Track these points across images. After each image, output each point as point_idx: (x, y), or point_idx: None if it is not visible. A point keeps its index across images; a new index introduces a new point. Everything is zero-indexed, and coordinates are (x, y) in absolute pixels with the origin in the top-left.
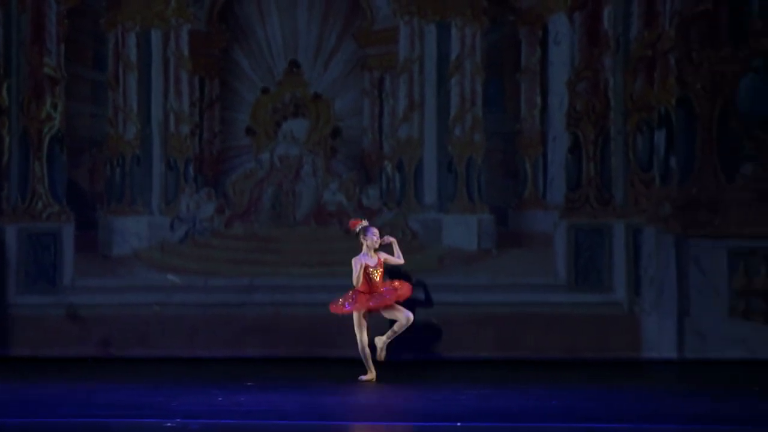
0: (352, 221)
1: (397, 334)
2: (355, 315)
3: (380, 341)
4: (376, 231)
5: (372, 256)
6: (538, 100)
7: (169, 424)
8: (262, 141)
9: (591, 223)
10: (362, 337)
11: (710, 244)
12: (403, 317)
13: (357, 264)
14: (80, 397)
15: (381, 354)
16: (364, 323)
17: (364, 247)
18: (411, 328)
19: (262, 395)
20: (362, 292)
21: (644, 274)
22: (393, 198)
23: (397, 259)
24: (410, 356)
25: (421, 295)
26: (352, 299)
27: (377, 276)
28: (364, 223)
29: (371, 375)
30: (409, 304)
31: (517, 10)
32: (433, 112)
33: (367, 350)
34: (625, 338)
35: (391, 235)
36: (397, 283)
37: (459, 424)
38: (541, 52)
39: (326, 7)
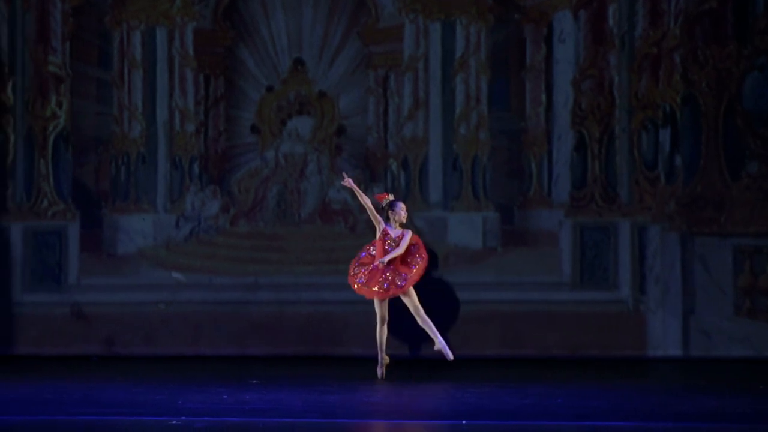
0: (377, 195)
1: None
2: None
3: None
4: (403, 206)
5: (396, 229)
6: (543, 98)
7: (174, 422)
8: (267, 139)
9: (596, 222)
10: (381, 314)
11: (715, 242)
12: (412, 307)
13: (407, 236)
14: (85, 395)
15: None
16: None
17: (391, 220)
18: (416, 326)
19: (266, 393)
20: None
21: (649, 273)
22: (398, 196)
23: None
24: (414, 354)
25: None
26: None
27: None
28: (391, 197)
29: (385, 361)
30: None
31: (522, 8)
32: (438, 111)
33: (383, 336)
34: (630, 336)
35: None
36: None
37: (464, 422)
38: (546, 50)
39: (331, 5)
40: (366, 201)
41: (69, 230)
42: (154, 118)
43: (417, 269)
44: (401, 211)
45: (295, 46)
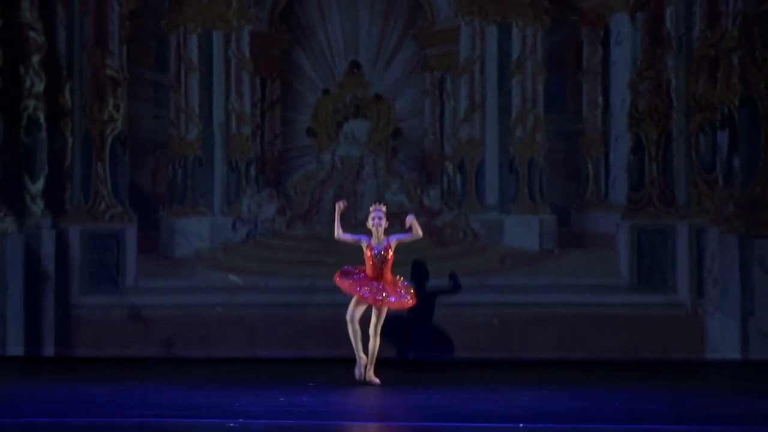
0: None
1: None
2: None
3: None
4: (371, 214)
5: (379, 242)
6: (600, 100)
7: (231, 425)
8: (324, 142)
9: (654, 224)
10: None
11: None
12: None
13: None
14: (142, 397)
15: (370, 375)
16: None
17: (373, 234)
18: (472, 329)
19: (323, 396)
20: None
21: (707, 275)
22: (454, 198)
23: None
24: (472, 356)
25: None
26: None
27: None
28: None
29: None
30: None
31: (579, 10)
32: (495, 113)
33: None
34: (688, 339)
35: (452, 235)
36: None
37: (521, 425)
38: (602, 52)
39: (387, 8)
40: (338, 230)
41: (126, 233)
42: (210, 120)
43: (404, 302)
44: (370, 220)
45: (351, 49)
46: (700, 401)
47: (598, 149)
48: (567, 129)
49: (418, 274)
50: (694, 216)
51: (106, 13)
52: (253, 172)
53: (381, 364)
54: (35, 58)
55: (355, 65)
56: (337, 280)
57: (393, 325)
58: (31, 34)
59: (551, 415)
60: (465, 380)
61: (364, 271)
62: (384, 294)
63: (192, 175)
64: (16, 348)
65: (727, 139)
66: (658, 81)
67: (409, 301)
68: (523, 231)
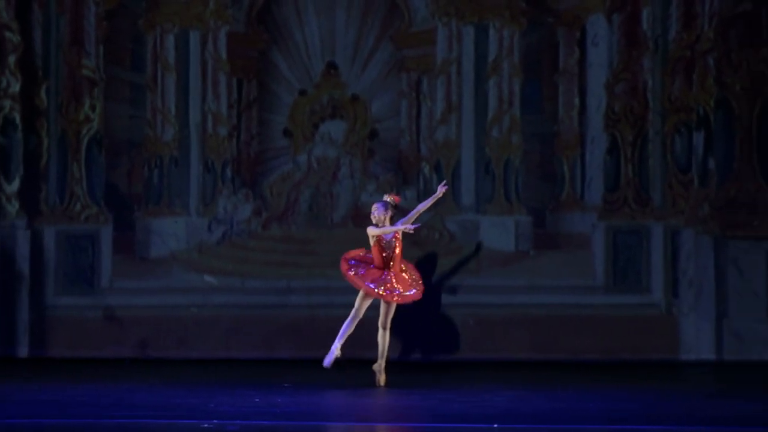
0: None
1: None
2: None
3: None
4: (373, 206)
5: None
6: (576, 101)
7: (206, 426)
8: (300, 143)
9: (629, 225)
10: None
11: (749, 245)
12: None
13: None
14: (117, 397)
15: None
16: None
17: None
18: (447, 330)
19: (298, 396)
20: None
21: (682, 276)
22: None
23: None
24: (445, 357)
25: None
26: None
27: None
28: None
29: (337, 353)
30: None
31: (556, 12)
32: (471, 114)
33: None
34: (662, 340)
35: (428, 236)
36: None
37: (495, 425)
38: (579, 54)
39: (364, 9)
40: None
41: (102, 233)
42: (187, 121)
43: (411, 294)
44: (375, 213)
45: (328, 50)
46: (674, 402)
47: (574, 150)
48: (543, 130)
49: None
50: (669, 217)
51: (82, 12)
52: (229, 172)
53: (353, 365)
54: (11, 59)
55: (332, 66)
56: (346, 272)
57: (364, 327)
58: (7, 34)
59: (526, 416)
60: (440, 381)
61: (372, 261)
62: (393, 287)
63: (168, 176)
64: None
65: (703, 141)
66: (634, 82)
67: (416, 294)
68: (499, 232)
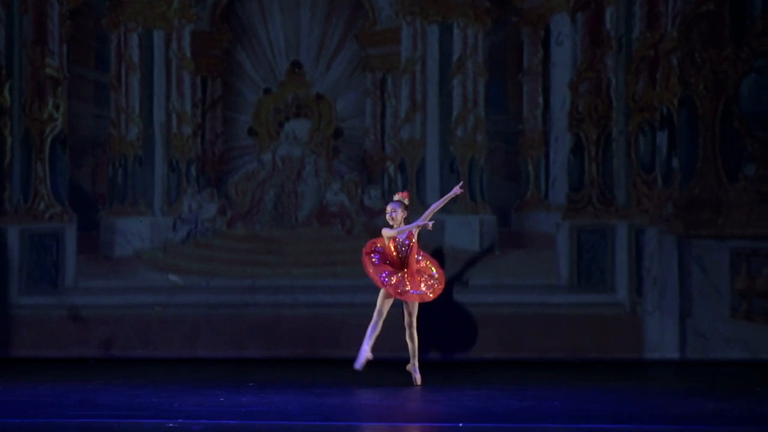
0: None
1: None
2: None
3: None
4: (388, 209)
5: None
6: (541, 100)
7: (170, 425)
8: (265, 141)
9: (593, 224)
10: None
11: (713, 244)
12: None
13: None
14: (82, 397)
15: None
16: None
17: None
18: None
19: (263, 396)
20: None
21: (646, 275)
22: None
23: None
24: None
25: None
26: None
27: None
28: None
29: (368, 355)
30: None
31: (520, 11)
32: (436, 113)
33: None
34: (627, 339)
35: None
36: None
37: (461, 425)
38: (543, 53)
39: (329, 8)
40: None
41: (66, 233)
42: (151, 120)
43: (431, 291)
44: (392, 214)
45: (293, 49)
46: (639, 400)
47: (539, 150)
48: (508, 129)
49: None
50: (633, 216)
51: (45, 11)
52: (193, 171)
53: (321, 363)
54: None
55: (297, 65)
56: (368, 265)
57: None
58: None
59: (492, 415)
60: (406, 380)
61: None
62: (407, 286)
63: (132, 175)
64: None
65: (666, 140)
66: (598, 81)
67: (429, 295)
68: (464, 231)
